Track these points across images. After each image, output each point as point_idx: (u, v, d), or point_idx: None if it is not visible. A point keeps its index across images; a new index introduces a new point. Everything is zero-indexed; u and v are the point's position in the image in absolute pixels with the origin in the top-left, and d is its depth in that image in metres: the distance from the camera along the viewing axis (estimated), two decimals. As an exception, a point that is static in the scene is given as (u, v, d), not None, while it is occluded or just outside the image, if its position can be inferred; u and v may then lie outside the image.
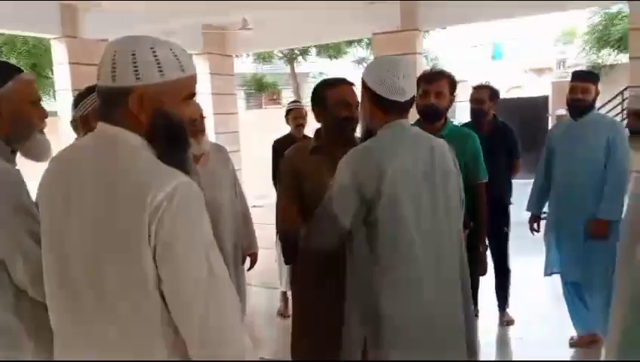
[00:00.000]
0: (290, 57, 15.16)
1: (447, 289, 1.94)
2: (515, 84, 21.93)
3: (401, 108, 1.94)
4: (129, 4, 6.63)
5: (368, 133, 2.00)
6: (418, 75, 7.83)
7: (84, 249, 1.21)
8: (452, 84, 3.04)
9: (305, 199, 2.30)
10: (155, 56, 1.23)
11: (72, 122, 2.36)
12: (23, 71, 1.70)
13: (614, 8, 11.39)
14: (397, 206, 1.82)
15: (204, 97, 9.48)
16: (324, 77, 15.01)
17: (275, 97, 23.24)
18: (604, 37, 11.90)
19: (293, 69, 15.54)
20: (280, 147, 4.56)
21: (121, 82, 1.22)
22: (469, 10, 7.38)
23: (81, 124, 2.24)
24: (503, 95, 4.63)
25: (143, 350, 1.20)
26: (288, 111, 4.77)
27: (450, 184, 1.97)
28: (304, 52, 15.00)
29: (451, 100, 3.04)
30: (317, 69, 19.63)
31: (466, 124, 4.17)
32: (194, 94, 1.33)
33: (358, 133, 2.28)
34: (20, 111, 1.66)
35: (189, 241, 1.18)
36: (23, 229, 1.55)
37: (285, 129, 4.89)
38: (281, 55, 15.56)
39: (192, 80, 1.31)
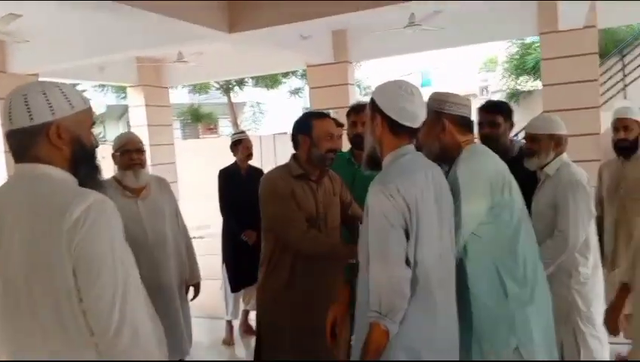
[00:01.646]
0: (227, 88, 15.27)
1: (453, 313, 1.98)
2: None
3: (412, 134, 1.96)
4: (59, 39, 6.56)
5: (373, 156, 2.02)
6: (351, 104, 8.12)
7: (17, 274, 1.31)
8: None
9: None
10: (62, 92, 1.40)
11: None
12: None
13: (528, 39, 12.32)
14: (420, 223, 1.84)
15: (140, 129, 9.42)
16: (262, 106, 15.08)
17: (212, 127, 23.16)
18: (521, 65, 12.84)
19: (230, 99, 15.64)
20: (227, 176, 4.72)
21: (40, 119, 1.36)
22: (396, 44, 7.82)
23: None
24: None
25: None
26: (237, 142, 4.76)
27: (450, 207, 2.01)
28: (240, 82, 15.15)
29: None
30: (253, 98, 19.83)
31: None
32: (95, 123, 1.53)
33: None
34: None
35: (105, 254, 1.30)
36: None
37: (223, 159, 4.91)
38: (217, 85, 15.65)
39: (91, 111, 1.50)
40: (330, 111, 4.97)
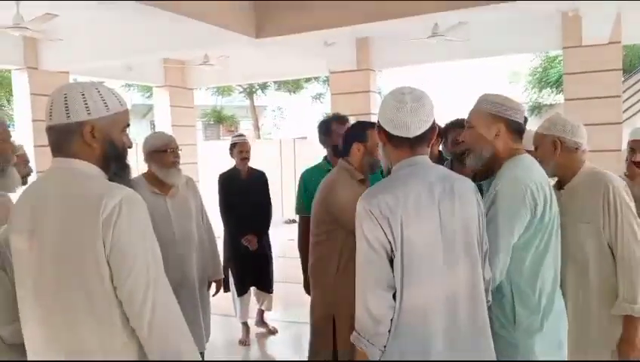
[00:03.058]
0: (250, 91, 15.46)
1: (462, 340, 1.76)
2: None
3: (412, 144, 1.79)
4: (90, 38, 6.76)
5: (388, 170, 1.91)
6: (372, 110, 8.11)
7: (50, 261, 1.41)
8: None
9: None
10: (100, 94, 1.50)
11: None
12: None
13: (552, 52, 12.27)
14: (410, 241, 1.71)
15: (165, 129, 9.61)
16: (283, 111, 15.22)
17: (233, 129, 23.41)
18: (544, 78, 12.79)
19: (252, 102, 15.82)
20: (226, 181, 4.71)
21: (76, 117, 1.46)
22: (419, 53, 7.88)
23: None
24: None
25: (111, 354, 1.40)
26: (233, 145, 4.73)
27: (471, 225, 1.80)
28: (264, 86, 15.32)
29: None
30: (275, 102, 20.02)
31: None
32: (129, 125, 1.61)
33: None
34: None
35: (138, 247, 1.40)
36: None
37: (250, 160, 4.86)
38: (240, 89, 15.84)
39: (127, 113, 1.59)
40: (351, 117, 5.02)
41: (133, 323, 1.41)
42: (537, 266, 1.97)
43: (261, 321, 5.11)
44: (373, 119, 8.46)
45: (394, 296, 1.72)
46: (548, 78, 12.54)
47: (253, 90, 15.44)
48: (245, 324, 4.93)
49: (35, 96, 7.51)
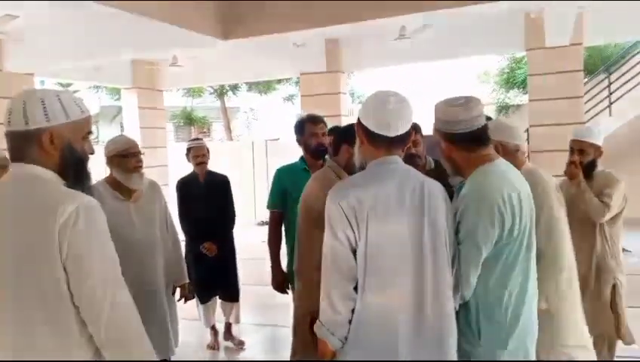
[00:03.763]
0: (221, 92, 15.37)
1: (427, 341, 1.80)
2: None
3: (390, 144, 1.83)
4: (56, 39, 6.63)
5: (362, 168, 1.95)
6: (342, 112, 8.17)
7: (4, 272, 1.41)
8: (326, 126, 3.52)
9: None
10: (60, 101, 1.50)
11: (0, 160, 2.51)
12: None
13: (519, 53, 12.52)
14: (377, 234, 1.75)
15: (133, 131, 9.50)
16: (255, 112, 15.12)
17: (205, 130, 23.22)
18: (511, 79, 13.05)
19: (223, 103, 15.73)
20: (184, 187, 4.55)
21: (34, 125, 1.47)
22: (387, 55, 7.98)
23: None
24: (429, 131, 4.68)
25: (64, 356, 1.41)
26: (188, 150, 4.59)
27: (440, 227, 1.82)
28: (235, 87, 15.25)
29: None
30: (247, 104, 19.92)
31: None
32: (91, 132, 1.61)
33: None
34: None
35: (95, 252, 1.42)
36: None
37: (214, 163, 4.79)
38: (211, 90, 15.73)
39: (89, 120, 1.59)
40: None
41: (90, 327, 1.42)
42: (505, 280, 1.91)
43: (229, 333, 4.93)
44: (343, 121, 8.55)
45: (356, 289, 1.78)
46: (515, 79, 12.80)
47: (224, 91, 15.35)
48: (213, 328, 4.88)
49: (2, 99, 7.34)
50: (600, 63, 11.41)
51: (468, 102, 1.94)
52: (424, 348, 1.78)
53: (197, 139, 4.88)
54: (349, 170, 2.69)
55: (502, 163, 1.99)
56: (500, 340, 1.91)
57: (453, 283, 1.88)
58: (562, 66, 7.14)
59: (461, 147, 1.96)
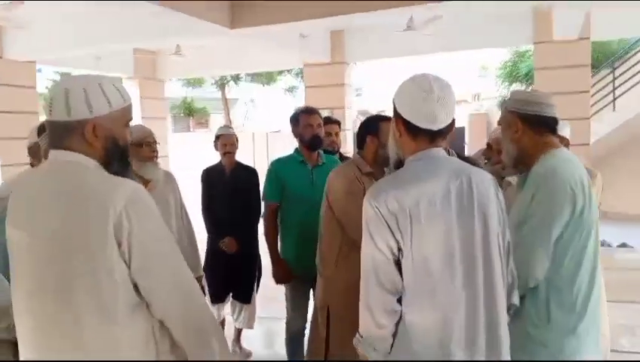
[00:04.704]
0: (222, 83, 15.28)
1: (476, 332, 1.62)
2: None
3: (433, 137, 1.66)
4: (58, 27, 6.55)
5: (399, 162, 1.77)
6: (346, 104, 8.12)
7: (51, 264, 1.36)
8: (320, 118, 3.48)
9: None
10: (102, 90, 1.44)
11: (30, 148, 2.43)
12: None
13: (522, 47, 12.48)
14: (422, 242, 1.57)
15: (134, 121, 9.39)
16: (255, 103, 15.08)
17: (203, 121, 23.12)
18: (514, 72, 13.02)
19: (224, 94, 15.65)
20: (208, 176, 4.31)
21: (77, 116, 1.42)
22: (393, 46, 7.90)
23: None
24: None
25: (115, 350, 1.37)
26: (217, 138, 4.28)
27: (491, 223, 1.65)
28: (236, 78, 15.16)
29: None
30: (247, 95, 19.85)
31: None
32: (131, 119, 1.57)
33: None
34: None
35: (157, 237, 1.41)
36: None
37: (214, 153, 4.41)
38: (212, 80, 15.64)
39: (130, 108, 1.55)
40: (326, 110, 5.01)
41: (165, 318, 1.41)
42: (576, 265, 1.90)
43: (237, 341, 4.54)
44: (347, 113, 8.50)
45: (400, 301, 1.60)
46: (518, 73, 12.77)
47: (225, 81, 15.27)
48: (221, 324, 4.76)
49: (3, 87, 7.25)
50: (604, 58, 11.36)
51: (547, 94, 2.07)
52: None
53: (226, 126, 4.58)
54: (377, 161, 2.65)
55: (566, 151, 2.04)
56: (569, 325, 1.89)
57: (510, 278, 1.74)
58: (569, 60, 7.08)
59: (535, 130, 1.99)
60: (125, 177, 1.48)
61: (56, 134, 1.44)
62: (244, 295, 4.37)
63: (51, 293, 1.38)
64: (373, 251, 1.59)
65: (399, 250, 1.57)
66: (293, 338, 3.48)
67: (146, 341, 1.40)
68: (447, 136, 1.69)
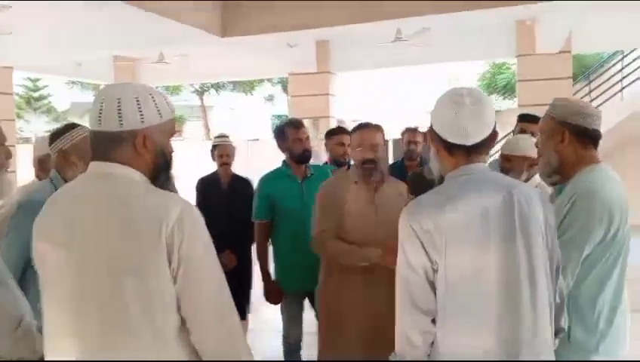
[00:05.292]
0: (202, 90, 15.15)
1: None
2: (410, 124, 23.34)
3: (469, 152, 1.59)
4: (38, 32, 6.38)
5: (441, 178, 1.70)
6: (331, 114, 8.10)
7: (95, 282, 1.29)
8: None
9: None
10: (154, 100, 1.39)
11: (40, 159, 2.35)
12: None
13: (499, 60, 12.73)
14: (458, 262, 1.52)
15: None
16: (234, 111, 14.91)
17: (178, 129, 22.89)
18: (492, 84, 13.27)
19: (202, 102, 15.51)
20: (203, 187, 4.16)
21: (129, 126, 1.35)
22: (378, 57, 7.98)
23: (62, 157, 2.25)
24: (399, 135, 4.86)
25: None
26: (214, 147, 4.11)
27: (534, 236, 1.57)
28: (218, 86, 15.06)
29: None
30: (224, 103, 19.73)
31: (393, 165, 4.36)
32: (175, 132, 1.51)
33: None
34: None
35: (205, 254, 1.35)
36: None
37: (184, 162, 4.27)
38: (192, 88, 15.51)
39: (174, 119, 1.49)
40: (307, 120, 4.95)
41: (197, 335, 1.35)
42: (601, 284, 1.86)
43: None
44: (332, 122, 8.51)
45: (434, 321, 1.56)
46: (496, 84, 13.02)
47: (205, 89, 15.15)
48: None
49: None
50: (580, 72, 11.68)
51: (592, 105, 2.04)
52: None
53: (222, 135, 4.31)
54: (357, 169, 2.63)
55: (608, 166, 1.98)
56: (590, 346, 1.85)
57: (559, 300, 1.67)
58: (551, 73, 7.27)
59: (580, 141, 1.93)
60: (168, 190, 1.44)
61: (102, 145, 1.37)
62: (239, 310, 4.22)
63: (100, 315, 1.31)
64: (408, 272, 1.55)
65: (433, 272, 1.52)
66: (292, 350, 3.44)
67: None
68: (488, 149, 1.63)
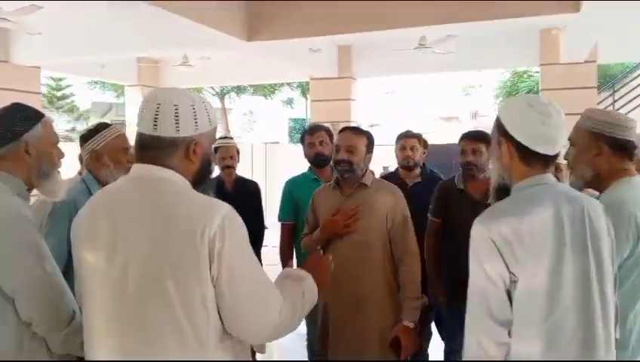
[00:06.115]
0: (223, 93, 15.26)
1: None
2: (425, 130, 23.22)
3: (547, 162, 1.60)
4: (65, 33, 6.49)
5: (503, 187, 1.68)
6: (352, 118, 8.10)
7: (134, 282, 1.30)
8: (330, 134, 3.38)
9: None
10: (206, 108, 1.41)
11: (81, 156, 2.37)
12: (44, 114, 1.76)
13: (521, 68, 12.65)
14: (535, 272, 1.51)
15: (134, 128, 9.34)
16: (253, 114, 15.03)
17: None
18: (514, 92, 13.19)
19: (223, 104, 15.63)
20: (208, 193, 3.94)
21: (184, 133, 1.37)
22: (400, 63, 7.97)
23: (94, 158, 2.26)
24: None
25: None
26: (215, 150, 3.67)
27: (603, 249, 1.59)
28: (239, 90, 15.16)
29: (331, 148, 3.30)
30: (243, 106, 19.86)
31: (393, 173, 3.91)
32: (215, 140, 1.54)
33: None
34: (46, 153, 1.71)
35: (246, 259, 1.36)
36: (32, 266, 1.60)
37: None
38: (212, 91, 15.63)
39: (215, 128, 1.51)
40: (329, 124, 4.86)
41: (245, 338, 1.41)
42: (632, 301, 1.81)
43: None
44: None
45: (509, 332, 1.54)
46: (517, 92, 12.94)
47: (225, 92, 15.26)
48: None
49: (3, 91, 7.16)
50: (604, 81, 11.56)
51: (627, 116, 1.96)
52: None
53: (225, 137, 3.98)
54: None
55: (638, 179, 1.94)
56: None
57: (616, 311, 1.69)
58: (576, 82, 7.19)
59: (616, 154, 1.88)
60: (207, 193, 1.45)
61: (153, 149, 1.37)
62: None
63: (141, 318, 1.32)
64: (485, 281, 1.52)
65: (511, 281, 1.50)
66: (316, 354, 3.46)
67: None
68: (556, 160, 1.64)
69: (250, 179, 3.98)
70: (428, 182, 3.52)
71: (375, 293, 2.42)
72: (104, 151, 2.23)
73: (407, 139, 3.48)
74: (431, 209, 3.23)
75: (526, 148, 1.56)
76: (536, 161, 1.57)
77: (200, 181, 1.44)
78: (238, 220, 1.37)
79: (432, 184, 3.41)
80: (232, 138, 3.91)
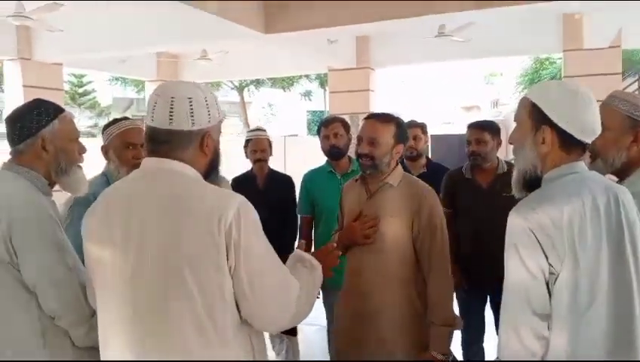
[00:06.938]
0: (242, 87, 15.30)
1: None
2: (446, 120, 23.00)
3: (584, 149, 1.58)
4: (87, 29, 6.56)
5: (533, 176, 1.61)
6: (371, 109, 8.13)
7: (151, 275, 1.30)
8: (345, 125, 3.33)
9: None
10: (216, 100, 1.44)
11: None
12: (64, 110, 1.77)
13: (544, 55, 12.43)
14: (574, 263, 1.47)
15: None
16: (272, 107, 15.13)
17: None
18: (536, 80, 12.97)
19: (242, 98, 15.67)
20: (238, 188, 3.39)
21: (199, 125, 1.38)
22: (418, 52, 7.90)
23: (103, 153, 2.30)
24: (435, 131, 4.17)
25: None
26: (247, 142, 3.63)
27: (637, 235, 1.55)
28: (258, 83, 15.19)
29: (349, 139, 3.32)
30: (262, 99, 19.89)
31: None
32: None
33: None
34: (64, 148, 1.72)
35: (263, 248, 1.38)
36: (55, 261, 1.61)
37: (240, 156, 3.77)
38: (231, 85, 15.68)
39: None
40: (347, 116, 4.78)
41: (263, 327, 1.43)
42: None
43: None
44: (371, 118, 8.46)
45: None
46: (540, 79, 12.72)
47: (244, 85, 15.30)
48: None
49: (27, 88, 7.28)
50: (629, 67, 11.29)
51: None
52: None
53: (257, 129, 3.83)
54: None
55: None
56: None
57: None
58: (600, 69, 7.02)
59: None
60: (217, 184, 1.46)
61: (167, 143, 1.38)
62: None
63: (161, 314, 1.31)
64: (525, 274, 1.47)
65: (551, 273, 1.47)
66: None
67: (248, 358, 1.38)
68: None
69: (285, 173, 3.79)
70: (434, 173, 3.46)
71: (389, 312, 2.13)
72: (110, 146, 2.26)
73: (410, 129, 3.28)
74: (440, 200, 3.23)
75: (570, 135, 1.52)
76: (575, 148, 1.54)
77: (211, 172, 1.46)
78: (252, 210, 1.38)
79: (438, 174, 3.37)
80: (264, 130, 3.76)
